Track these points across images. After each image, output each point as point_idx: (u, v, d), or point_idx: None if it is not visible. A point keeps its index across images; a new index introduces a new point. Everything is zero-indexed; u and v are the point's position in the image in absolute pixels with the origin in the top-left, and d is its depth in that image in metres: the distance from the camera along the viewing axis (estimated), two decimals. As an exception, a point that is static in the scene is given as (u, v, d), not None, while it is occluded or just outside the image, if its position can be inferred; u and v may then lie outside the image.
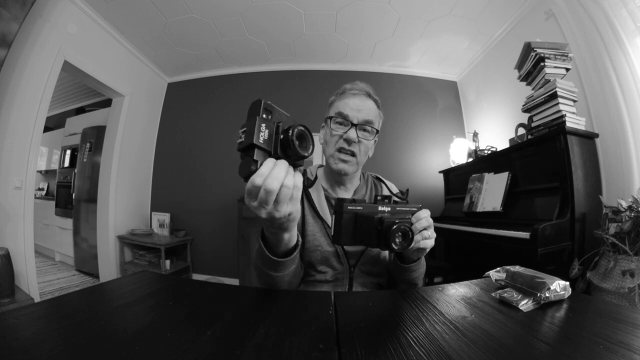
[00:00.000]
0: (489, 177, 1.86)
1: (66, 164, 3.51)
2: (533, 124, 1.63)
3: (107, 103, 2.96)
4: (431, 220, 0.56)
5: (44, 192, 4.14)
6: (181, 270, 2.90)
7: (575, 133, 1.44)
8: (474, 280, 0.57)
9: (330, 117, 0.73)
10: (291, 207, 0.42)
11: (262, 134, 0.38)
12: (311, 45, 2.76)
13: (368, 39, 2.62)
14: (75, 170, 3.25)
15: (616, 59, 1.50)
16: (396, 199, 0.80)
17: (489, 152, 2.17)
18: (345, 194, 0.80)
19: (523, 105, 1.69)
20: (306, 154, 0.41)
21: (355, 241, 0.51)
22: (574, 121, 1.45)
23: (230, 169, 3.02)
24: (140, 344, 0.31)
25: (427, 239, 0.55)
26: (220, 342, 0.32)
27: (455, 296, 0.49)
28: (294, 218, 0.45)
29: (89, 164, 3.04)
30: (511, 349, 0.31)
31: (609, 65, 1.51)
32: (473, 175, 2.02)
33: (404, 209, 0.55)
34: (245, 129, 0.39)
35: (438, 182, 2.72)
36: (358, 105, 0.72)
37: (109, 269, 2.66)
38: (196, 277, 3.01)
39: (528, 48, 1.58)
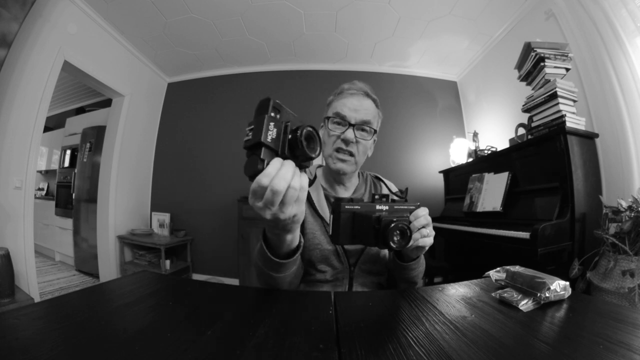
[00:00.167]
0: (489, 177, 1.86)
1: (66, 164, 3.51)
2: (533, 124, 1.63)
3: (107, 103, 2.96)
4: (429, 218, 0.56)
5: (44, 192, 4.14)
6: (181, 270, 2.90)
7: (575, 133, 1.44)
8: (474, 280, 0.57)
9: (328, 117, 0.74)
10: (296, 209, 0.41)
11: (270, 133, 0.37)
12: (311, 45, 2.76)
13: (368, 39, 2.62)
14: (75, 170, 3.25)
15: (616, 59, 1.50)
16: (395, 197, 0.80)
17: (489, 152, 2.17)
18: (345, 193, 0.80)
19: (523, 105, 1.69)
20: (314, 155, 0.40)
21: (353, 240, 0.51)
22: (574, 121, 1.45)
23: (230, 169, 3.02)
24: (140, 344, 0.31)
25: (425, 237, 0.55)
26: (220, 342, 0.32)
27: (455, 296, 0.49)
28: (298, 220, 0.44)
29: (89, 164, 3.04)
30: (511, 349, 0.31)
31: (609, 65, 1.51)
32: (473, 175, 2.02)
33: (402, 207, 0.55)
34: (252, 126, 0.38)
35: (438, 182, 2.72)
36: (356, 105, 0.71)
37: (109, 269, 2.66)
38: (196, 277, 3.01)
39: (528, 48, 1.58)
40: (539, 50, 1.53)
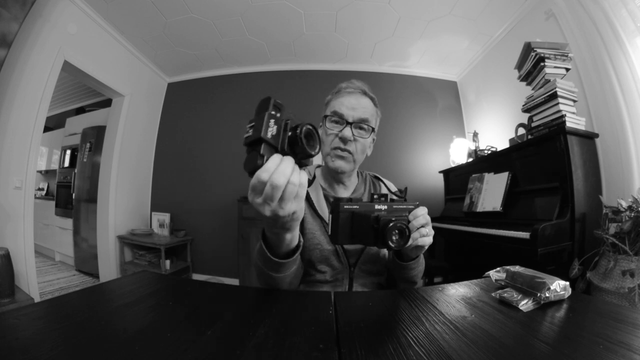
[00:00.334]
0: (489, 177, 1.86)
1: (66, 164, 3.51)
2: (533, 124, 1.63)
3: (107, 103, 2.96)
4: (428, 218, 0.56)
5: (44, 192, 4.14)
6: (181, 270, 2.90)
7: (575, 133, 1.44)
8: (474, 280, 0.57)
9: (326, 116, 0.74)
10: (296, 206, 0.41)
11: (271, 130, 0.38)
12: (311, 45, 2.76)
13: (368, 39, 2.62)
14: (75, 170, 3.25)
15: (616, 59, 1.50)
16: (394, 197, 0.80)
17: (489, 152, 2.17)
18: (344, 192, 0.80)
19: (523, 105, 1.69)
20: (313, 153, 0.41)
21: (353, 240, 0.51)
22: (574, 121, 1.45)
23: (230, 169, 3.02)
24: (140, 344, 0.31)
25: (425, 236, 0.55)
26: (220, 342, 0.32)
27: (455, 296, 0.49)
28: (298, 217, 0.44)
29: (89, 164, 3.04)
30: (511, 349, 0.31)
31: (609, 65, 1.51)
32: (473, 175, 2.02)
33: (401, 207, 0.55)
34: (253, 123, 0.38)
35: (438, 182, 2.72)
36: (353, 104, 0.71)
37: (109, 269, 2.66)
38: (196, 277, 3.01)
39: (528, 48, 1.58)
40: (539, 50, 1.53)
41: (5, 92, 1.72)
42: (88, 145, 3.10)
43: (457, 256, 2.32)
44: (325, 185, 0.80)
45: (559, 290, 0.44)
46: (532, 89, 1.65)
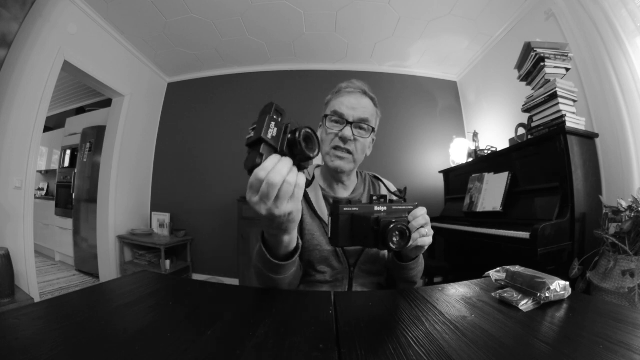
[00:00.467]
0: (489, 177, 1.86)
1: (66, 164, 3.51)
2: (533, 124, 1.63)
3: (107, 103, 2.96)
4: (428, 218, 0.56)
5: (44, 192, 4.14)
6: (181, 270, 2.90)
7: (575, 133, 1.44)
8: (474, 280, 0.57)
9: (326, 116, 0.74)
10: (292, 206, 0.42)
11: (271, 131, 0.39)
12: (311, 45, 2.76)
13: (368, 39, 2.62)
14: (75, 170, 3.25)
15: (616, 59, 1.50)
16: (393, 198, 0.80)
17: (489, 152, 2.17)
18: (344, 192, 0.80)
19: (523, 105, 1.69)
20: (312, 155, 0.42)
21: (353, 242, 0.51)
22: (574, 121, 1.45)
23: (230, 169, 3.02)
24: (140, 344, 0.31)
25: (424, 237, 0.55)
26: (220, 342, 0.32)
27: (455, 296, 0.49)
28: (294, 219, 0.44)
29: (89, 164, 3.04)
30: (511, 349, 0.31)
31: (609, 65, 1.51)
32: (473, 175, 2.02)
33: (401, 207, 0.55)
34: (255, 125, 0.40)
35: (438, 182, 2.72)
36: (353, 104, 0.72)
37: (109, 269, 2.66)
38: (196, 277, 3.01)
39: (528, 48, 1.58)
40: (539, 50, 1.53)
41: (5, 92, 1.72)
42: (88, 145, 3.10)
43: (457, 256, 2.32)
44: (325, 186, 0.80)
45: (559, 290, 0.44)
46: (532, 89, 1.65)
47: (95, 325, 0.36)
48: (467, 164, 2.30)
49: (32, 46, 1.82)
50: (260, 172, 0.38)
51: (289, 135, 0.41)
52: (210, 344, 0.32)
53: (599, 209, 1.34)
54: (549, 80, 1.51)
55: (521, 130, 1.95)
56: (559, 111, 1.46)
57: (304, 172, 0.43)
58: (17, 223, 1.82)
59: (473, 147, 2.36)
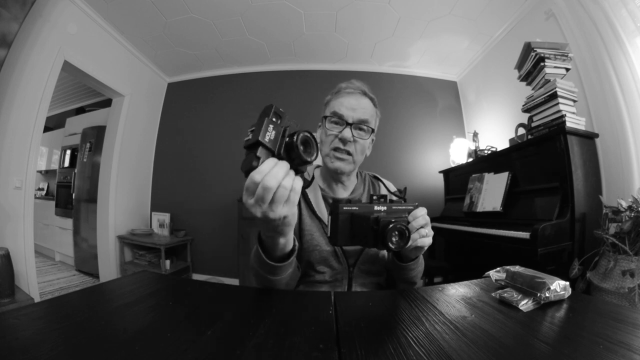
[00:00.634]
0: (489, 177, 1.86)
1: (66, 164, 3.51)
2: (533, 124, 1.63)
3: (107, 103, 2.96)
4: (428, 218, 0.56)
5: (44, 192, 4.14)
6: (181, 270, 2.90)
7: (575, 133, 1.44)
8: (474, 280, 0.57)
9: (326, 117, 0.73)
10: (287, 210, 0.41)
11: (269, 134, 0.39)
12: (311, 45, 2.76)
13: (368, 39, 2.62)
14: (75, 170, 3.25)
15: (616, 59, 1.50)
16: (393, 197, 0.80)
17: (489, 152, 2.17)
18: (343, 192, 0.80)
19: (523, 105, 1.69)
20: (309, 159, 0.42)
21: (352, 242, 0.51)
22: (574, 121, 1.45)
23: (230, 169, 3.02)
24: (140, 344, 0.31)
25: (424, 237, 0.55)
26: (220, 342, 0.32)
27: (455, 296, 0.49)
28: (289, 222, 0.45)
29: (89, 164, 3.04)
30: (511, 349, 0.31)
31: (609, 65, 1.51)
32: (473, 175, 2.02)
33: (400, 207, 0.55)
34: (253, 128, 0.40)
35: (438, 182, 2.72)
36: (353, 104, 0.71)
37: (109, 269, 2.66)
38: (196, 277, 3.01)
39: (528, 48, 1.58)
40: (539, 50, 1.53)
41: (5, 92, 1.72)
42: (88, 145, 3.10)
43: (457, 256, 2.32)
44: (324, 186, 0.80)
45: (559, 290, 0.44)
46: (532, 89, 1.65)
47: (95, 325, 0.36)
48: (467, 164, 2.30)
49: (32, 46, 1.82)
50: (256, 175, 0.38)
51: (287, 139, 0.41)
52: (210, 344, 0.32)
53: (599, 209, 1.34)
54: (549, 80, 1.51)
55: (521, 130, 1.95)
56: (559, 111, 1.46)
57: (302, 175, 0.43)
58: (17, 223, 1.82)
59: (473, 147, 2.36)
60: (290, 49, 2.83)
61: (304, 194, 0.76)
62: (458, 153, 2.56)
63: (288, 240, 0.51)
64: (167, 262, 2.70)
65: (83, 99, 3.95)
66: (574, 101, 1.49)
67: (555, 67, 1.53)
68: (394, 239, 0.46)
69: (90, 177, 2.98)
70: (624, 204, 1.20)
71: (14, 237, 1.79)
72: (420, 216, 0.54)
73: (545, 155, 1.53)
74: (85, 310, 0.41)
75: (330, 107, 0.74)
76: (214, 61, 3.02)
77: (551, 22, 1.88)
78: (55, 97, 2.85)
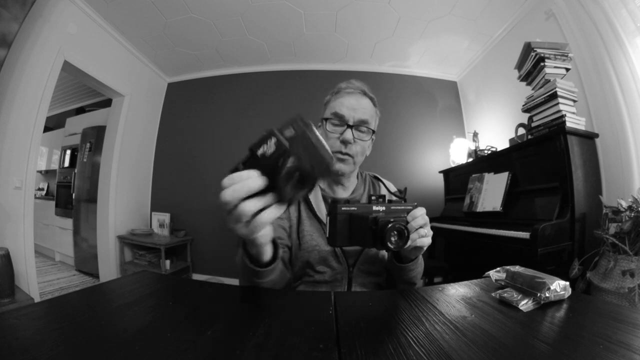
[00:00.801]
0: (489, 177, 1.86)
1: (66, 164, 3.51)
2: (533, 124, 1.63)
3: (107, 103, 2.96)
4: (427, 218, 0.55)
5: (44, 192, 4.14)
6: (181, 270, 2.90)
7: (575, 133, 1.44)
8: (474, 280, 0.57)
9: (327, 119, 0.73)
10: (246, 232, 0.38)
11: (265, 147, 0.35)
12: (311, 45, 2.76)
13: (368, 39, 2.62)
14: (75, 170, 3.25)
15: (616, 59, 1.50)
16: (393, 198, 0.80)
17: (489, 152, 2.17)
18: (343, 193, 0.80)
19: (523, 105, 1.69)
20: (292, 197, 0.36)
21: (351, 242, 0.51)
22: (574, 121, 1.45)
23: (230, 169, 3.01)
24: (140, 344, 0.31)
25: (423, 237, 0.55)
26: (220, 342, 0.32)
27: (455, 296, 0.49)
28: (256, 241, 0.43)
29: (89, 164, 3.04)
30: (511, 349, 0.31)
31: (609, 65, 1.51)
32: (473, 175, 2.02)
33: (399, 207, 0.54)
34: (270, 132, 0.35)
35: (438, 182, 2.72)
36: (354, 104, 0.71)
37: (109, 269, 2.66)
38: (196, 277, 3.01)
39: (528, 48, 1.58)
40: (539, 50, 1.53)
41: (5, 92, 1.72)
42: (88, 145, 3.10)
43: (457, 256, 2.32)
44: (324, 186, 0.80)
45: (559, 290, 0.44)
46: (532, 89, 1.65)
47: (95, 325, 0.36)
48: (467, 164, 2.30)
49: (32, 46, 1.82)
50: (225, 180, 0.35)
51: (280, 163, 0.34)
52: (210, 344, 0.32)
53: (599, 209, 1.34)
54: (549, 80, 1.51)
55: (521, 130, 1.95)
56: (559, 111, 1.46)
57: (292, 202, 0.38)
58: (17, 223, 1.82)
59: (473, 147, 2.36)
60: (290, 49, 2.83)
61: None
62: (458, 153, 2.56)
63: (260, 253, 0.49)
64: (167, 262, 2.70)
65: (83, 99, 3.95)
66: (574, 101, 1.49)
67: (555, 67, 1.53)
68: (392, 239, 0.46)
69: (90, 177, 2.97)
70: (624, 204, 1.20)
71: (14, 237, 1.79)
72: (419, 216, 0.54)
73: (545, 155, 1.53)
74: (85, 310, 0.41)
75: (330, 108, 0.74)
76: (214, 61, 3.02)
77: (551, 22, 1.88)
78: (55, 97, 2.85)
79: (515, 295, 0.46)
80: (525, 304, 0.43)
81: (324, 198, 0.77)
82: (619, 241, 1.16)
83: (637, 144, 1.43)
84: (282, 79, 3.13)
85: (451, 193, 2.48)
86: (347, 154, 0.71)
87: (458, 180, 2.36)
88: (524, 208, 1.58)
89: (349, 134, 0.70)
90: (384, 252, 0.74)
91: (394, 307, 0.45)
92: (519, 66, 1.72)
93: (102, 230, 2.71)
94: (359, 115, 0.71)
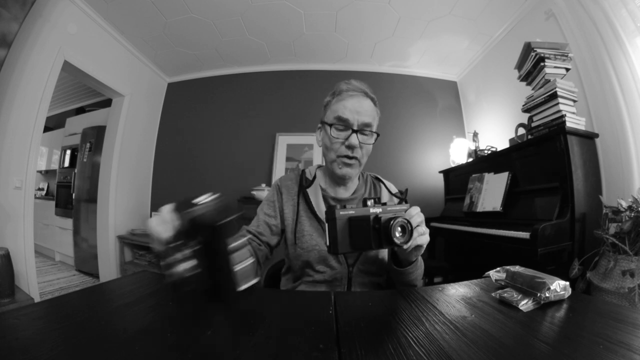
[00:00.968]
0: (489, 177, 1.86)
1: (66, 164, 3.51)
2: (533, 124, 1.63)
3: (107, 103, 2.95)
4: (423, 216, 0.56)
5: (44, 192, 4.14)
6: (181, 270, 2.89)
7: (575, 133, 1.44)
8: (474, 280, 0.57)
9: (331, 125, 0.71)
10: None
11: (204, 197, 0.40)
12: (311, 45, 2.76)
13: (368, 39, 2.62)
14: (75, 170, 3.25)
15: (616, 59, 1.50)
16: (395, 199, 0.80)
17: (489, 152, 2.17)
18: (345, 193, 0.80)
19: (523, 105, 1.69)
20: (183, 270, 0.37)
21: (353, 247, 0.50)
22: (574, 121, 1.45)
23: (230, 169, 3.01)
24: (140, 344, 0.31)
25: (422, 235, 0.55)
26: (220, 342, 0.32)
27: (455, 296, 0.49)
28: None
29: (89, 164, 3.04)
30: (511, 349, 0.31)
31: (609, 65, 1.51)
32: (473, 175, 2.02)
33: (395, 208, 0.54)
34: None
35: (438, 182, 2.72)
36: (356, 107, 0.71)
37: (109, 269, 2.66)
38: (196, 277, 3.00)
39: (528, 48, 1.58)
40: (539, 50, 1.53)
41: (5, 92, 1.71)
42: (88, 145, 3.10)
43: (457, 256, 2.32)
44: (326, 186, 0.80)
45: (559, 290, 0.44)
46: (532, 89, 1.65)
47: (95, 325, 0.36)
48: (467, 164, 2.30)
49: (32, 46, 1.82)
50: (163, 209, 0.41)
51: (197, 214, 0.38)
52: (210, 344, 0.32)
53: (599, 209, 1.34)
54: (549, 80, 1.51)
55: (521, 130, 1.95)
56: (559, 111, 1.46)
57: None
58: (17, 223, 1.82)
59: (473, 147, 2.36)
60: (290, 49, 2.83)
61: (304, 194, 0.76)
62: (458, 153, 2.55)
63: None
64: (167, 262, 2.69)
65: (83, 99, 3.94)
66: (574, 101, 1.49)
67: (555, 67, 1.53)
68: (397, 234, 0.46)
69: (90, 177, 2.97)
70: (624, 204, 1.20)
71: (14, 237, 1.79)
72: (416, 214, 0.54)
73: (545, 155, 1.53)
74: (85, 310, 0.41)
75: (332, 111, 0.73)
76: (214, 61, 3.02)
77: (551, 22, 1.88)
78: (55, 97, 2.85)
79: (515, 295, 0.46)
80: (525, 304, 0.43)
81: (324, 198, 0.77)
82: (619, 241, 1.16)
83: (637, 144, 1.43)
84: (282, 79, 3.13)
85: (451, 193, 2.48)
86: (354, 157, 0.71)
87: (458, 180, 2.36)
88: (524, 208, 1.58)
89: (354, 139, 0.69)
90: (383, 253, 0.74)
91: (394, 307, 0.45)
92: (519, 66, 1.72)
93: (102, 230, 2.71)
94: (363, 118, 0.70)
